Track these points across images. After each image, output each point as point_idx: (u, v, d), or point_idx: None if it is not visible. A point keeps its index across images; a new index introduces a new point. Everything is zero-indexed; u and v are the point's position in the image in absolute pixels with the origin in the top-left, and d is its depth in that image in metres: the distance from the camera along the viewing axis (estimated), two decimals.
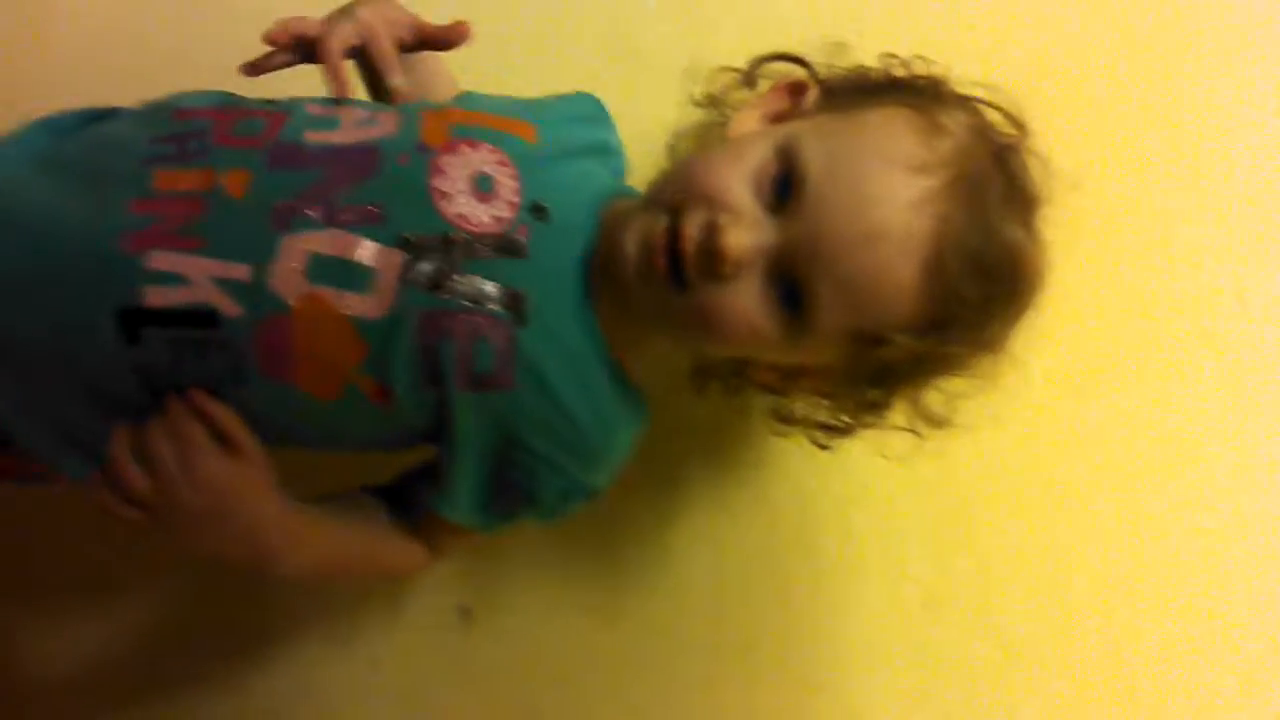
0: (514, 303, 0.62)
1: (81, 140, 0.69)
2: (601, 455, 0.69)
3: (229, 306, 0.61)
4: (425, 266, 0.61)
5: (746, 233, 0.60)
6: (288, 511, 0.66)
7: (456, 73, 0.76)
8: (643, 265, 0.62)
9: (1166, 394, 0.83)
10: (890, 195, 0.59)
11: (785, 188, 0.61)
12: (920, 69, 0.69)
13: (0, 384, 0.64)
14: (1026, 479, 0.84)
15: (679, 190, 0.63)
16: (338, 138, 0.64)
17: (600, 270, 0.65)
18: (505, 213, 0.63)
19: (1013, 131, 0.66)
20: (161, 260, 0.61)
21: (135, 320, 0.61)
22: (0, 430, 0.66)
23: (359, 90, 0.71)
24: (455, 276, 0.62)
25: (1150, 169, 0.83)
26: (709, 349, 0.70)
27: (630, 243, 0.63)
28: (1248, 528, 0.82)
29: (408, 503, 0.71)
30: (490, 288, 0.62)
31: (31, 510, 0.85)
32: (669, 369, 0.76)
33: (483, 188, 0.63)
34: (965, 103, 0.66)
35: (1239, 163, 0.83)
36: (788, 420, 0.75)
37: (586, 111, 0.74)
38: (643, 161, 0.76)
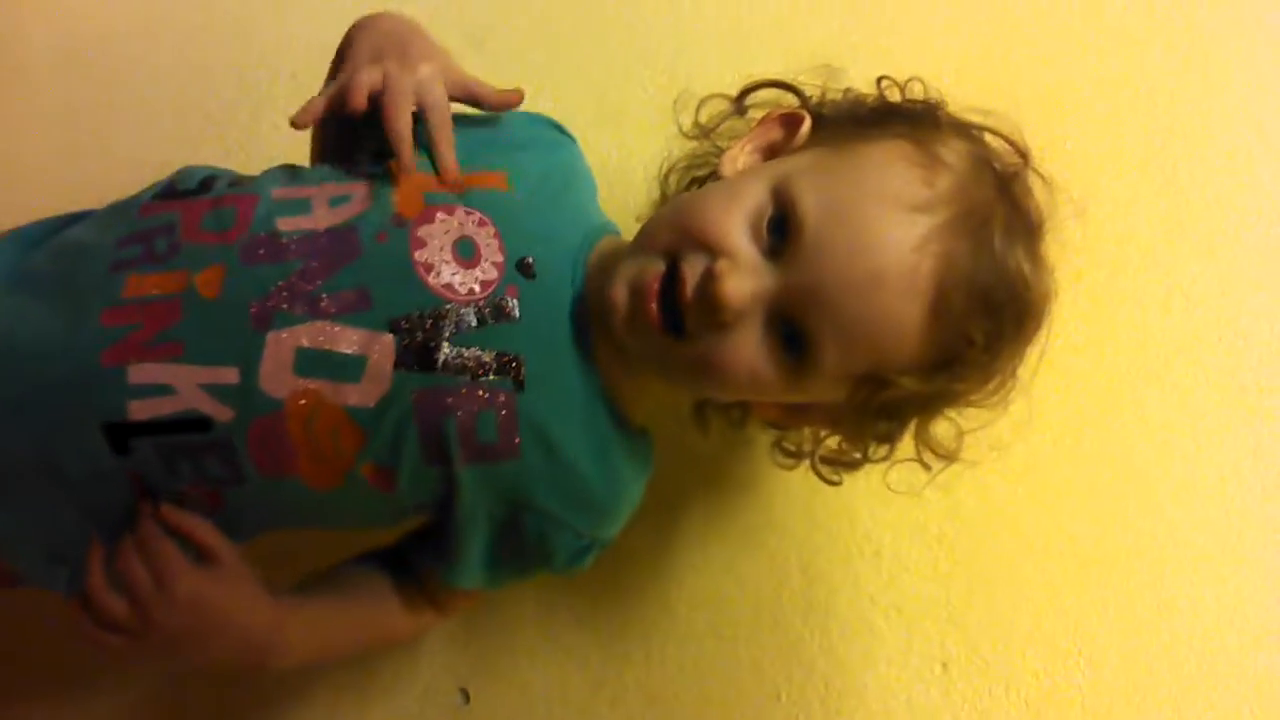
0: (511, 369, 0.61)
1: (49, 250, 0.67)
2: (612, 509, 0.68)
3: (219, 411, 0.59)
4: (417, 346, 0.60)
5: (746, 280, 0.59)
6: (275, 610, 0.64)
7: None
8: (633, 314, 0.60)
9: (1186, 428, 0.81)
10: (891, 238, 0.58)
11: (782, 230, 0.60)
12: (916, 93, 0.67)
13: None
14: (1039, 521, 0.82)
15: (673, 234, 0.61)
16: (311, 223, 0.62)
17: (594, 316, 0.64)
18: (492, 275, 0.62)
19: (1014, 158, 0.64)
20: (143, 372, 0.59)
21: (122, 433, 0.60)
22: None
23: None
24: (448, 351, 0.60)
25: (1153, 197, 0.81)
26: (711, 393, 0.69)
27: (619, 289, 0.61)
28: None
29: (411, 565, 0.70)
30: (485, 356, 0.61)
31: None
32: (670, 404, 0.75)
33: (465, 253, 0.62)
34: (964, 130, 0.64)
35: (1249, 195, 0.81)
36: (793, 454, 0.73)
37: (547, 139, 0.71)
38: (634, 192, 0.74)
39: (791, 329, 0.59)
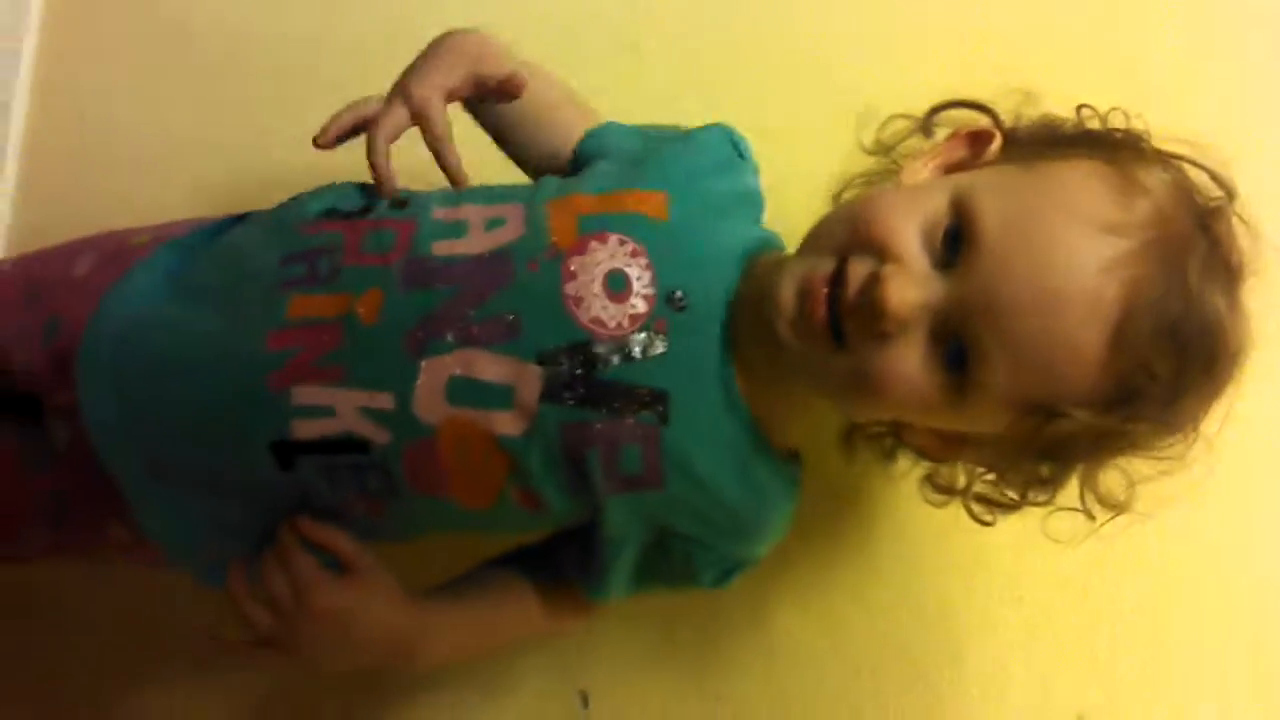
0: (656, 403, 0.60)
1: (213, 258, 0.69)
2: (759, 532, 0.67)
3: (377, 434, 0.61)
4: (563, 379, 0.60)
5: (913, 288, 0.57)
6: (417, 614, 0.66)
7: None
8: (799, 315, 0.59)
9: None
10: (1077, 256, 0.55)
11: (957, 242, 0.57)
12: (1118, 123, 0.64)
13: (156, 501, 0.66)
14: (1194, 584, 0.77)
15: (843, 234, 0.60)
16: (466, 247, 0.63)
17: (746, 330, 0.62)
18: (641, 308, 0.61)
19: (1219, 194, 0.60)
20: (306, 395, 0.61)
21: (288, 451, 0.62)
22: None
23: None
24: (594, 385, 0.60)
25: None
26: (865, 411, 0.66)
27: (786, 289, 0.59)
28: None
29: (555, 565, 0.70)
30: (631, 391, 0.60)
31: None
32: (817, 430, 0.73)
33: (616, 286, 0.61)
34: (1167, 160, 0.60)
35: None
36: (946, 490, 0.70)
37: (721, 157, 0.69)
38: (801, 209, 0.72)
39: (958, 345, 0.57)
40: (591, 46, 0.88)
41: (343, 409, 0.61)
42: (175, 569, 0.70)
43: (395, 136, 0.65)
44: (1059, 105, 0.66)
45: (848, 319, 0.57)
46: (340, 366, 0.61)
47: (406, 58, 0.67)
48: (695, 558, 0.66)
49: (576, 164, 0.70)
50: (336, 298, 0.62)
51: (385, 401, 0.60)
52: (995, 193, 0.58)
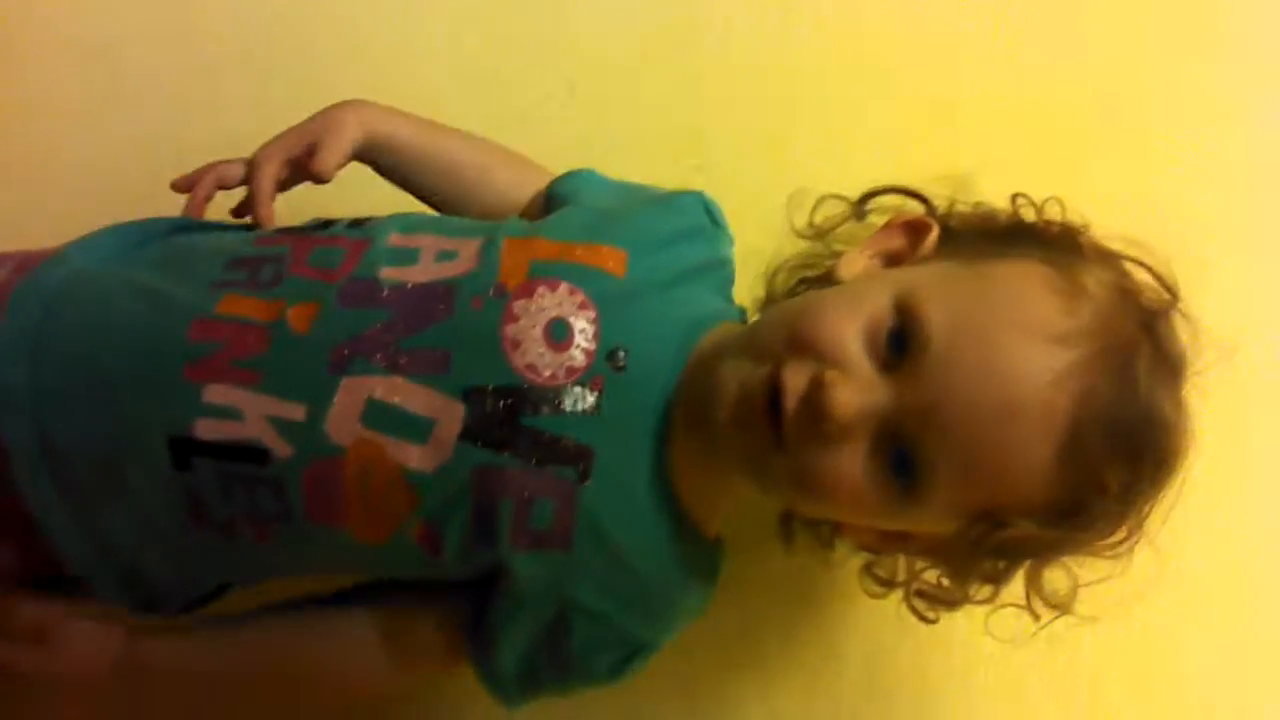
0: (579, 459, 0.58)
1: (165, 248, 0.68)
2: (667, 613, 0.63)
3: (280, 446, 0.58)
4: (486, 420, 0.57)
5: (857, 392, 0.55)
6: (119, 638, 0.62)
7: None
8: (741, 413, 0.57)
9: None
10: (1026, 369, 0.53)
11: (901, 344, 0.56)
12: (1054, 214, 0.63)
13: (49, 496, 0.62)
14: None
15: (783, 338, 0.58)
16: (413, 275, 0.61)
17: (683, 413, 0.60)
18: (580, 361, 0.59)
19: (1163, 295, 0.59)
20: (217, 393, 0.58)
21: (185, 449, 0.59)
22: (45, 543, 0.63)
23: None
24: (517, 431, 0.57)
25: None
26: (805, 509, 0.64)
27: (727, 387, 0.57)
28: None
29: (428, 600, 0.64)
30: (555, 443, 0.57)
31: None
32: (751, 512, 0.70)
33: (557, 335, 0.59)
34: (1107, 258, 0.60)
35: None
36: (886, 583, 0.68)
37: (692, 224, 0.67)
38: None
39: (903, 451, 0.55)
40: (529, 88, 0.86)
41: (250, 413, 0.58)
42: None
43: (223, 186, 0.69)
44: (994, 192, 0.65)
45: (788, 424, 0.55)
46: (259, 372, 0.58)
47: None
48: (595, 637, 0.61)
49: (549, 207, 0.69)
50: (270, 303, 0.60)
51: (296, 413, 0.58)
52: (939, 294, 0.56)
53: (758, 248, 0.72)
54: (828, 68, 0.83)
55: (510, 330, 0.58)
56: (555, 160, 0.72)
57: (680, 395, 0.60)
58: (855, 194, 0.69)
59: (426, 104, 0.72)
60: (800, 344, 0.56)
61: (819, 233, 0.69)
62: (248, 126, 0.71)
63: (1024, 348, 0.53)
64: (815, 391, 0.54)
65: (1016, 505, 0.54)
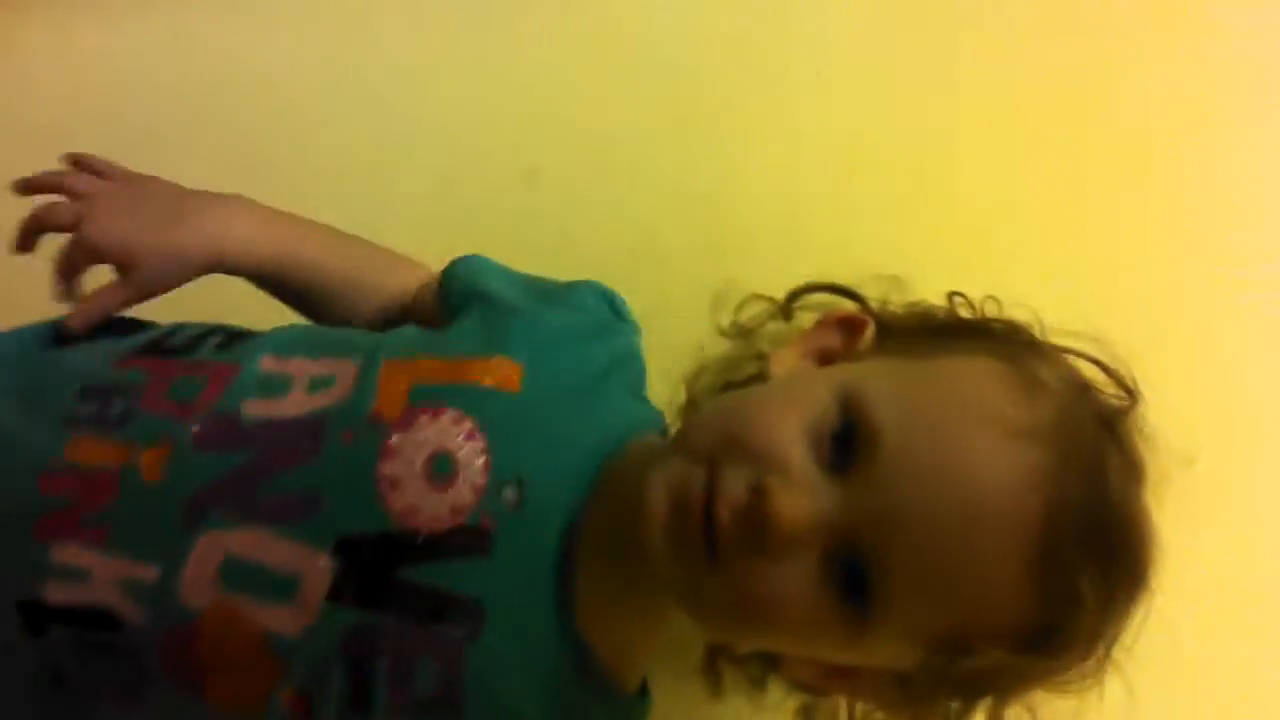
0: (467, 616, 0.50)
1: (19, 370, 0.61)
2: None
3: (131, 611, 0.52)
4: (359, 575, 0.50)
5: (804, 499, 0.48)
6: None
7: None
8: (674, 523, 0.49)
9: None
10: (991, 467, 0.47)
11: (848, 446, 0.49)
12: (992, 312, 0.59)
13: None
14: None
15: (715, 438, 0.51)
16: (282, 409, 0.54)
17: (595, 543, 0.53)
18: (468, 499, 0.51)
19: (1118, 394, 0.55)
20: (65, 554, 0.53)
21: (38, 614, 0.53)
22: None
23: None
24: (395, 587, 0.50)
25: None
26: (741, 639, 0.57)
27: (657, 493, 0.50)
28: None
29: None
30: (438, 597, 0.50)
31: None
32: (675, 650, 0.62)
33: (440, 471, 0.51)
34: (1058, 354, 0.55)
35: None
36: None
37: (595, 321, 0.61)
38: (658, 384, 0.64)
39: (855, 568, 0.48)
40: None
41: (100, 575, 0.52)
42: None
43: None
44: (929, 293, 0.61)
45: (724, 536, 0.48)
46: (107, 527, 0.53)
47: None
48: None
49: (446, 303, 0.62)
50: (120, 446, 0.54)
51: (148, 574, 0.52)
52: (887, 389, 0.50)
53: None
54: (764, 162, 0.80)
55: (387, 468, 0.51)
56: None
57: (591, 523, 0.53)
58: (781, 294, 0.65)
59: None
60: (735, 445, 0.50)
61: (744, 332, 0.64)
62: None
63: (987, 444, 0.48)
64: (756, 499, 0.47)
65: (984, 626, 0.47)
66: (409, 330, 0.59)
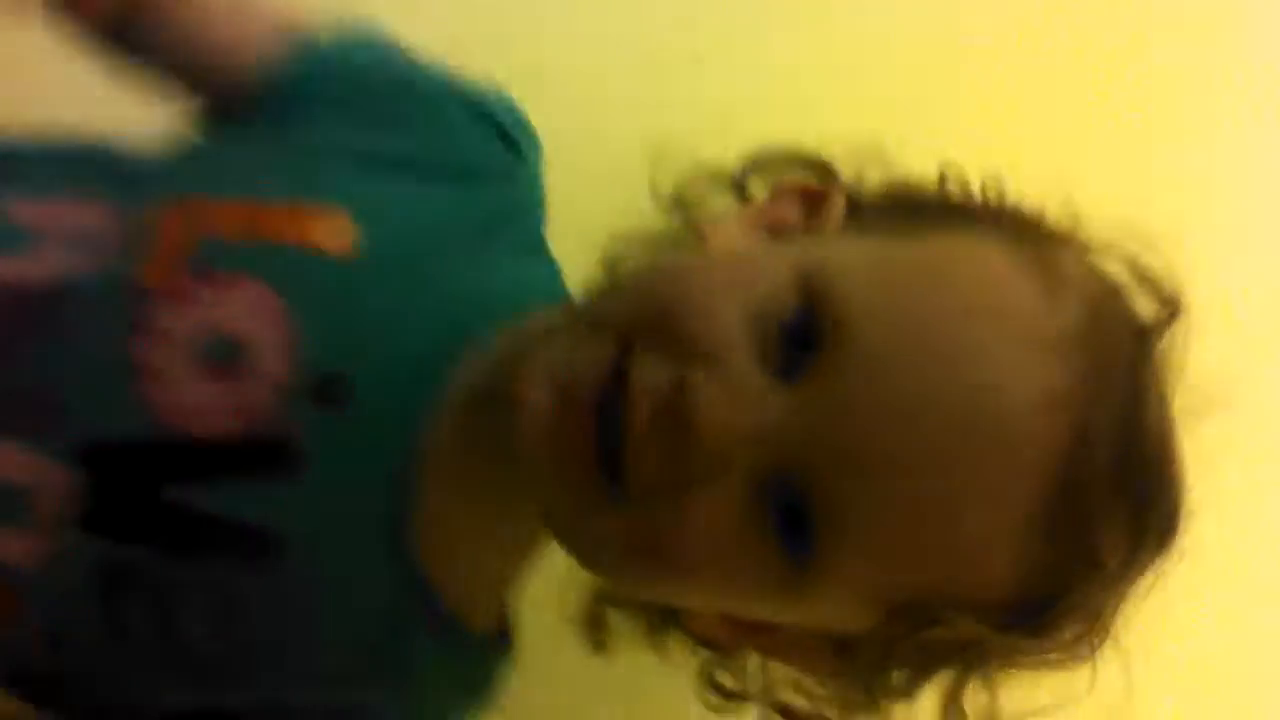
0: (259, 550, 0.41)
1: None
2: None
3: None
4: (112, 494, 0.41)
5: (741, 406, 0.36)
6: None
7: None
8: (554, 429, 0.37)
9: None
10: (1003, 377, 0.35)
11: (804, 340, 0.37)
12: (992, 191, 0.46)
13: None
14: None
15: (632, 313, 0.39)
16: (21, 269, 0.42)
17: (449, 455, 0.43)
18: (262, 397, 0.41)
19: (1163, 301, 0.42)
20: None
21: None
22: None
23: None
24: (162, 511, 0.41)
25: None
26: (645, 590, 0.45)
27: (537, 388, 0.38)
28: None
29: None
30: (214, 526, 0.41)
31: None
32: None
33: (223, 359, 0.41)
34: (1083, 245, 0.43)
35: None
36: (733, 695, 0.49)
37: (476, 157, 0.48)
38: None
39: (796, 502, 0.36)
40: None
41: None
42: None
43: None
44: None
45: (630, 447, 0.36)
46: None
47: None
48: None
49: (280, 98, 0.48)
50: None
51: None
52: (860, 272, 0.38)
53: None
54: None
55: (149, 353, 0.40)
56: None
57: (443, 431, 0.43)
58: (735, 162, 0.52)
59: None
60: (657, 324, 0.37)
61: (683, 204, 0.51)
62: None
63: (993, 347, 0.36)
64: (676, 397, 0.35)
65: (962, 590, 0.36)
66: (198, 152, 0.48)
